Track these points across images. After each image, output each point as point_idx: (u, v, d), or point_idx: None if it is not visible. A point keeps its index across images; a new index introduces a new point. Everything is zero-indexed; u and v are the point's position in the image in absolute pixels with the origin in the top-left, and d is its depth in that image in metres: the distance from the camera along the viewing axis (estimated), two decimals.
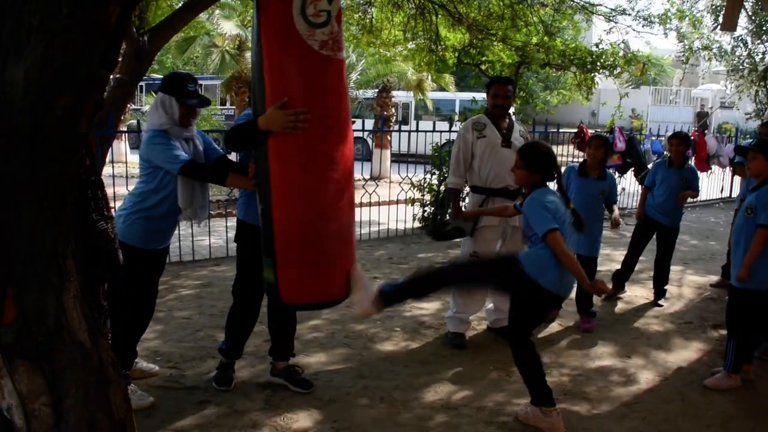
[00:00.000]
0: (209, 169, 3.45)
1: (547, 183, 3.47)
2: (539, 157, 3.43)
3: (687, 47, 11.73)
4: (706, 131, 12.54)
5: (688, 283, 6.40)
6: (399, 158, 11.37)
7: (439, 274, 3.47)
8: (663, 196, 5.52)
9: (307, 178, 2.85)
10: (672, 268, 6.73)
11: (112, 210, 2.61)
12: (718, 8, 12.04)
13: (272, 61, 2.77)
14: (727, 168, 10.91)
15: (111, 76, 6.77)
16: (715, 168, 10.92)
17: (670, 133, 6.26)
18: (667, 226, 5.57)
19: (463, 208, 4.69)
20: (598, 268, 5.25)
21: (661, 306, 5.56)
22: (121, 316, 3.49)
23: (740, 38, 13.23)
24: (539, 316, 3.59)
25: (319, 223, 2.90)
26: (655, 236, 5.70)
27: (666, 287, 5.75)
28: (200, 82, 22.11)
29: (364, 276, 3.12)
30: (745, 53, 13.47)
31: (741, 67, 13.65)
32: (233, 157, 3.92)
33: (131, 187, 6.60)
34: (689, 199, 5.86)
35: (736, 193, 12.19)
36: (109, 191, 2.50)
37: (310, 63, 2.77)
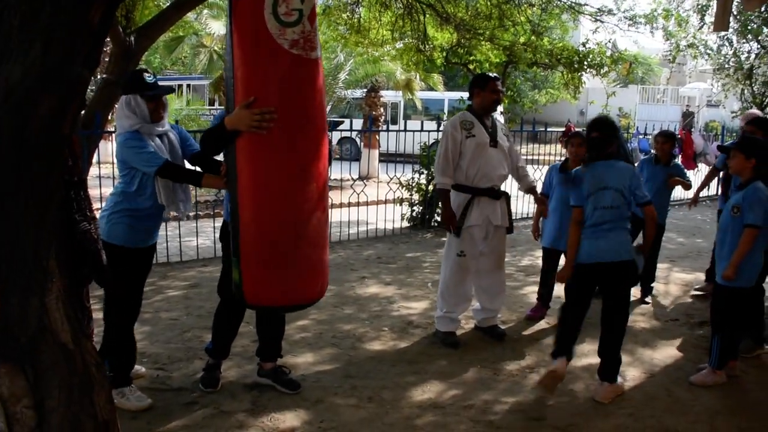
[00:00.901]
0: (185, 170, 3.44)
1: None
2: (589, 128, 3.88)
3: (674, 46, 11.80)
4: (692, 129, 12.64)
5: (674, 281, 6.44)
6: (387, 158, 11.38)
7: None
8: (649, 194, 5.55)
9: (272, 179, 2.83)
10: (658, 265, 6.78)
11: (96, 211, 2.61)
12: (704, 7, 12.13)
13: (241, 60, 2.76)
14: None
15: (98, 76, 6.75)
16: (701, 166, 10.98)
17: (657, 132, 6.33)
18: None
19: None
20: None
21: (647, 303, 5.60)
22: (112, 318, 3.48)
23: (726, 37, 13.33)
24: (578, 291, 3.88)
25: (284, 224, 2.88)
26: (641, 234, 5.73)
27: (652, 285, 5.79)
28: (188, 82, 21.98)
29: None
30: (730, 52, 13.57)
31: (727, 65, 13.75)
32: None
33: None
34: (676, 197, 5.92)
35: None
36: (97, 192, 2.50)
37: (280, 62, 2.75)
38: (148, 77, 3.37)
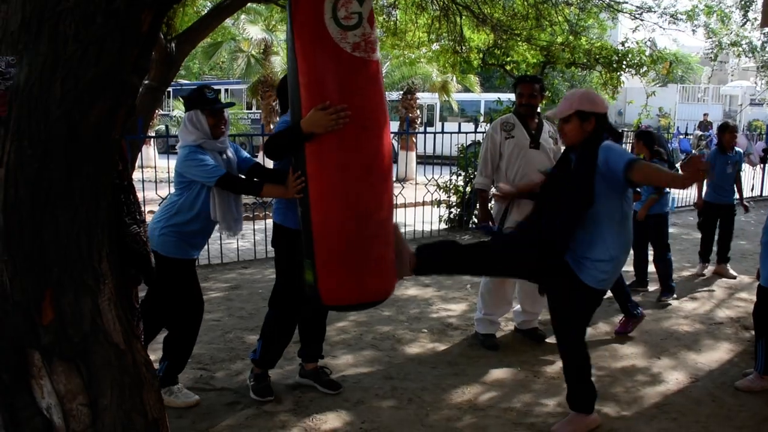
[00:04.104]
0: (244, 180, 3.44)
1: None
2: None
3: (716, 44, 11.56)
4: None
5: (717, 283, 6.31)
6: (425, 160, 11.38)
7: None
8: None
9: (343, 180, 2.88)
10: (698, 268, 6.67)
11: (145, 214, 2.66)
12: (747, 3, 11.86)
13: (306, 66, 2.80)
14: (758, 166, 10.75)
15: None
16: (744, 166, 10.75)
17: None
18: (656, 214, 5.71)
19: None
20: (624, 268, 5.16)
21: (669, 305, 5.51)
22: (172, 327, 3.54)
23: None
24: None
25: (357, 223, 2.91)
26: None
27: (674, 284, 5.74)
28: (227, 86, 22.39)
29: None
30: None
31: None
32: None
33: (161, 192, 6.68)
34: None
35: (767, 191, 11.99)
36: (139, 195, 2.56)
37: (343, 65, 2.79)
38: (209, 93, 3.40)
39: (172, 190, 3.56)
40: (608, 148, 3.11)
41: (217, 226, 3.52)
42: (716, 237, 6.64)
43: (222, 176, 3.28)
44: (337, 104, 2.79)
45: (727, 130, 6.68)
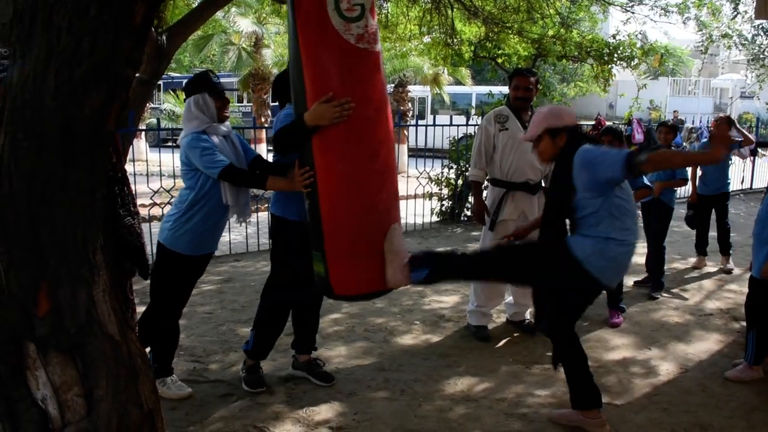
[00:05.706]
0: (248, 173, 3.39)
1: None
2: None
3: (706, 36, 11.61)
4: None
5: (707, 275, 6.36)
6: (416, 153, 11.39)
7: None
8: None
9: (350, 170, 2.89)
10: (691, 260, 6.71)
11: (137, 207, 2.66)
12: None
13: (311, 59, 2.80)
14: (748, 159, 10.81)
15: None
16: (735, 159, 10.80)
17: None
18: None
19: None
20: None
21: (658, 297, 5.55)
22: (158, 311, 3.54)
23: (761, 26, 13.07)
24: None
25: (363, 214, 2.93)
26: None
27: (662, 280, 5.75)
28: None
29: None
30: (766, 42, 13.30)
31: (762, 56, 13.49)
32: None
33: (152, 185, 6.65)
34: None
35: (757, 184, 12.07)
36: (132, 189, 2.55)
37: (348, 57, 2.80)
38: (215, 78, 3.40)
39: (164, 183, 3.53)
40: (588, 161, 3.01)
41: (228, 214, 3.47)
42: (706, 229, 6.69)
43: (225, 168, 3.23)
44: (342, 96, 2.79)
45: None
